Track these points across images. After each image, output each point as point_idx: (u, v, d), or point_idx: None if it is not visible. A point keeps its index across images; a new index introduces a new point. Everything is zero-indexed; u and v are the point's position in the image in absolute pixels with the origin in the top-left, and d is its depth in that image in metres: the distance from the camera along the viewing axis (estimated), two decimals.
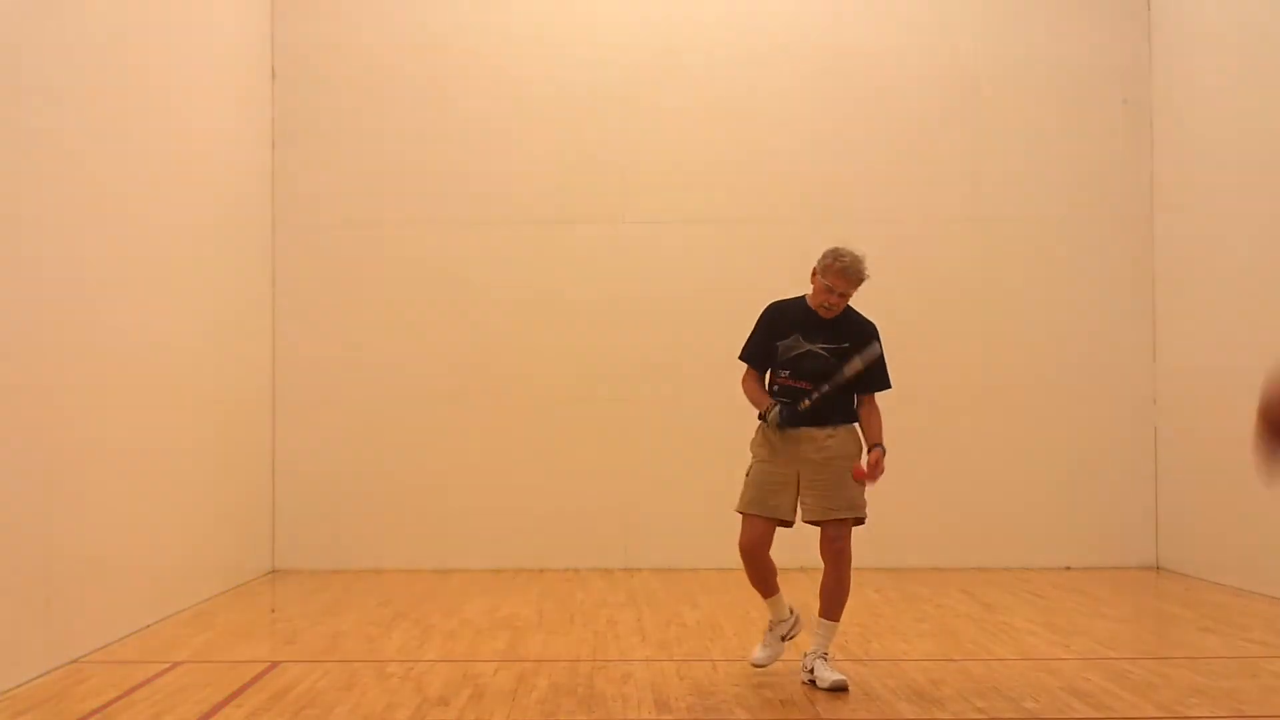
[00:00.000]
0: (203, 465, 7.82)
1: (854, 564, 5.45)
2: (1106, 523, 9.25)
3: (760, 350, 5.57)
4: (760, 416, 5.51)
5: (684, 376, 9.20)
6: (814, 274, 5.44)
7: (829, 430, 5.38)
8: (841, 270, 5.35)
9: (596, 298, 9.30)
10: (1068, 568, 9.14)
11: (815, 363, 5.40)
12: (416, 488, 9.24)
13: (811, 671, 5.36)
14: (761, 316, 5.64)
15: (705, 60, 9.42)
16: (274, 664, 5.92)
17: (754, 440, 5.56)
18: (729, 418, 9.39)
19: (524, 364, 9.27)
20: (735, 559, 9.59)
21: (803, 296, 5.55)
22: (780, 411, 5.35)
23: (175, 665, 5.90)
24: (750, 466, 5.52)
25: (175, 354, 7.34)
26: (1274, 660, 5.96)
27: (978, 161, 9.38)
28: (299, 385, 9.27)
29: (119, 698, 5.24)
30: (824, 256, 5.41)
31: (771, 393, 5.51)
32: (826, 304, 5.41)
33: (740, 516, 5.47)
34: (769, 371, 5.55)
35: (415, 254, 9.33)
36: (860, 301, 5.47)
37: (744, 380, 5.64)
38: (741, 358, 5.65)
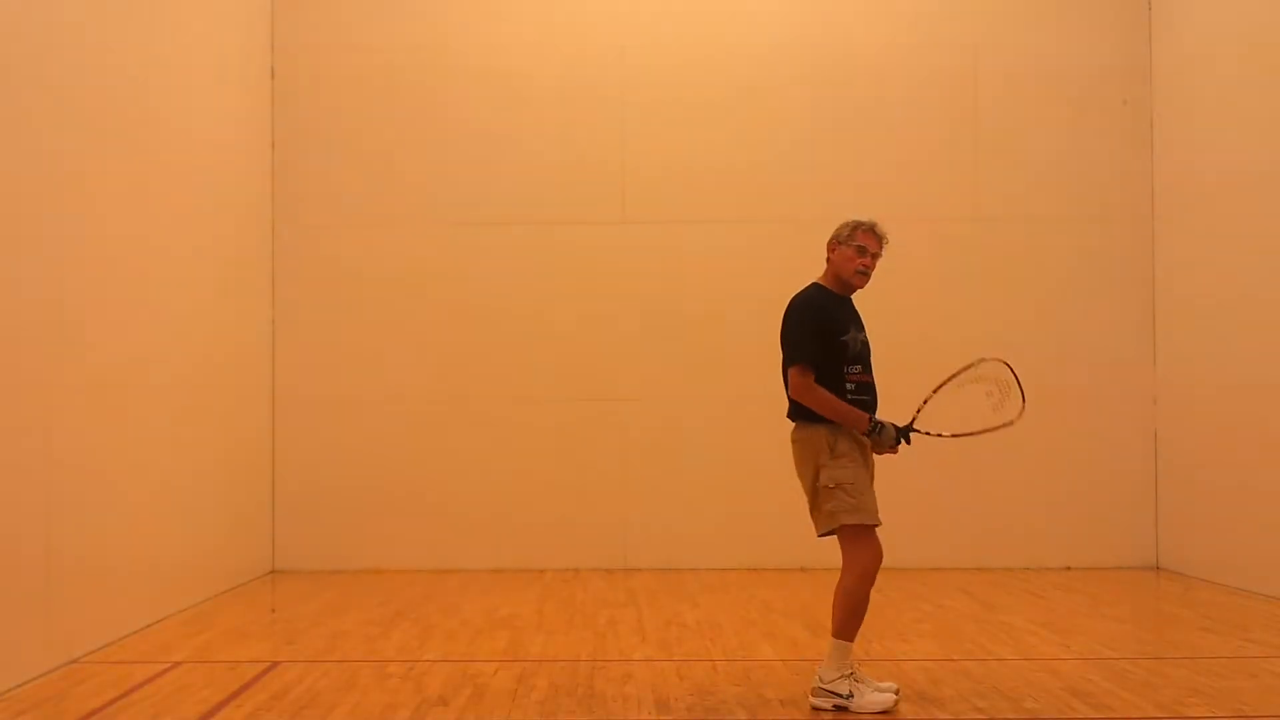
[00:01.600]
0: (203, 465, 7.82)
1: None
2: (1107, 523, 9.25)
3: (823, 350, 5.00)
4: (870, 432, 4.92)
5: (684, 376, 9.20)
6: (834, 247, 5.17)
7: None
8: (871, 228, 5.13)
9: (596, 298, 9.29)
10: (1068, 568, 9.14)
11: (869, 353, 5.19)
12: (416, 488, 9.24)
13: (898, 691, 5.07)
14: (808, 312, 5.06)
15: (705, 60, 9.41)
16: (274, 664, 5.92)
17: (833, 446, 4.98)
18: (729, 417, 9.42)
19: (523, 364, 9.28)
20: (734, 559, 9.55)
21: (817, 285, 5.21)
22: (895, 428, 4.94)
23: (175, 665, 5.90)
24: (840, 474, 4.95)
25: (175, 354, 7.34)
26: (1273, 660, 5.96)
27: (978, 161, 9.38)
28: (299, 385, 9.27)
29: (119, 698, 5.25)
30: (842, 227, 5.15)
31: (842, 394, 4.98)
32: (864, 268, 5.13)
33: (860, 529, 4.93)
34: (825, 373, 4.99)
35: (415, 254, 9.33)
36: (861, 301, 5.44)
37: (812, 389, 4.95)
38: (807, 362, 4.98)
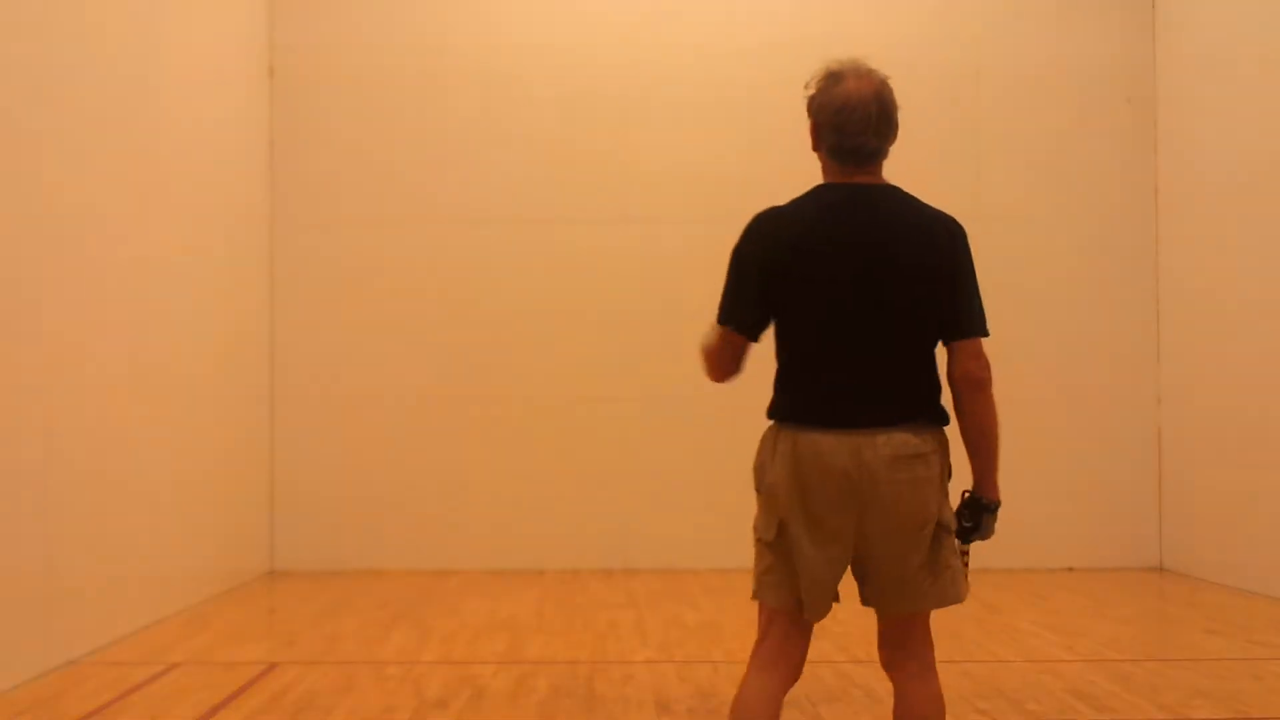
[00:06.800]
0: (201, 465, 7.79)
1: None
2: (1110, 523, 9.22)
3: None
4: None
5: (684, 377, 9.15)
6: None
7: None
8: None
9: (596, 298, 9.26)
10: (1071, 568, 9.11)
11: None
12: (416, 488, 9.20)
13: None
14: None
15: (705, 59, 9.38)
16: (272, 665, 5.89)
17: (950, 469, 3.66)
18: (730, 417, 9.38)
19: (523, 364, 9.24)
20: (736, 560, 9.59)
21: None
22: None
23: (173, 667, 5.87)
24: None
25: (173, 353, 7.31)
26: (1277, 662, 5.93)
27: (978, 161, 9.35)
28: (297, 385, 9.24)
29: (116, 699, 5.22)
30: None
31: None
32: None
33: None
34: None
35: (415, 254, 9.30)
36: None
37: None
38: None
